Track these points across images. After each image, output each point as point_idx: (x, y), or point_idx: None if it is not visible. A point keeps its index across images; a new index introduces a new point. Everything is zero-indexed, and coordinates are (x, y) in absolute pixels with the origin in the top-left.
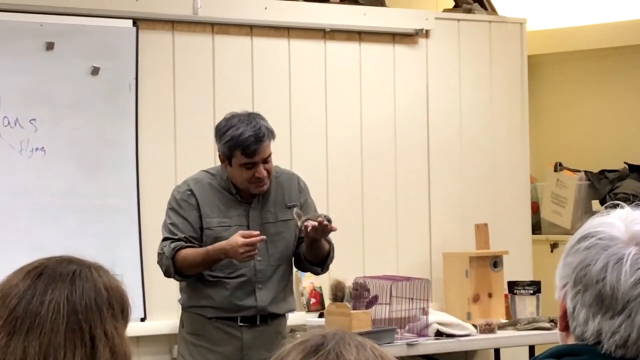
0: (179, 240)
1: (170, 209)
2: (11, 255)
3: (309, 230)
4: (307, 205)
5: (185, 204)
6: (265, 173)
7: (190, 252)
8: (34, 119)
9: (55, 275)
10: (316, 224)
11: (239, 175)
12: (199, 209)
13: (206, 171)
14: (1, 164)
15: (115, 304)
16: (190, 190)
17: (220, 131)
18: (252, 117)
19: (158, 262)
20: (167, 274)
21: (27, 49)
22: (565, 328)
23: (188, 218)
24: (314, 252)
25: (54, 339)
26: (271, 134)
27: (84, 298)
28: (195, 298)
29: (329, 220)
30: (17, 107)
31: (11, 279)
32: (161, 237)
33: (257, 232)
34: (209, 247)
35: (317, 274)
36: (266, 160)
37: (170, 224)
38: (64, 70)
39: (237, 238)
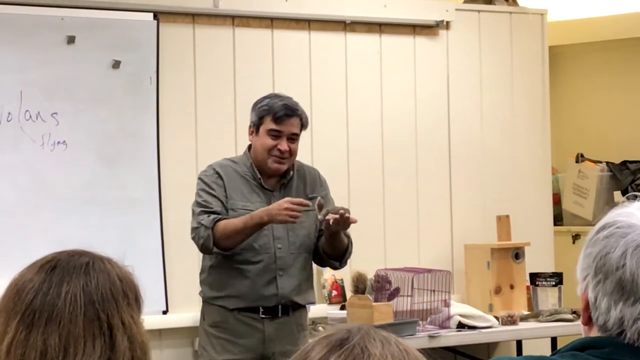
0: (215, 212)
1: (200, 189)
2: (33, 249)
3: (330, 222)
4: (327, 200)
5: (214, 184)
6: (287, 148)
7: (230, 220)
8: (55, 113)
9: (69, 267)
10: (337, 216)
11: (262, 144)
12: (225, 190)
13: (229, 159)
14: (23, 157)
15: (129, 293)
16: (217, 172)
17: (258, 101)
18: (292, 99)
19: (193, 238)
20: (204, 247)
21: (49, 42)
22: (588, 321)
23: (218, 196)
24: (333, 245)
25: (73, 329)
26: (305, 119)
27: (100, 288)
28: (216, 289)
29: (348, 212)
30: (38, 101)
31: (25, 274)
32: (191, 221)
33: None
34: (252, 212)
35: (335, 268)
36: (292, 138)
37: (203, 201)
38: (85, 64)
39: (283, 200)
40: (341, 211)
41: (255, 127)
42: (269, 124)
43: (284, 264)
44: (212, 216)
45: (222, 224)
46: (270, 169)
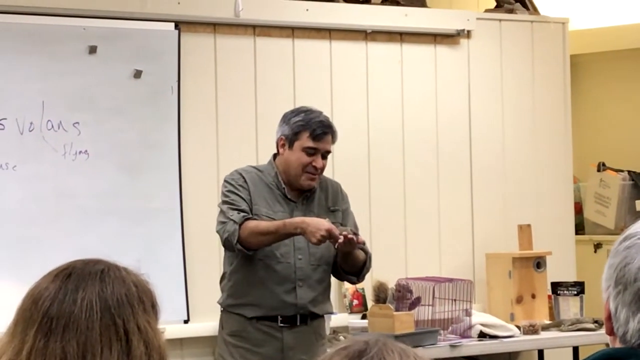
0: (243, 210)
1: (227, 190)
2: (54, 258)
3: (335, 245)
4: (347, 214)
5: (240, 187)
6: (322, 165)
7: (262, 221)
8: (77, 123)
9: (84, 274)
10: (342, 240)
11: (297, 159)
12: (250, 194)
13: (253, 166)
14: (45, 167)
15: (145, 299)
16: (243, 177)
17: (290, 114)
18: (323, 113)
19: (218, 231)
20: (227, 242)
21: (70, 52)
22: (612, 332)
23: (244, 197)
24: (348, 262)
25: (90, 336)
26: (336, 135)
27: (115, 294)
28: (235, 297)
29: (355, 234)
30: (60, 110)
31: (40, 283)
32: (218, 216)
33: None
34: (286, 220)
35: (353, 283)
36: (325, 156)
37: (231, 200)
38: (106, 74)
39: (324, 221)
40: (344, 233)
41: (289, 142)
42: (306, 141)
43: (303, 275)
44: (242, 214)
45: (253, 222)
46: (302, 185)
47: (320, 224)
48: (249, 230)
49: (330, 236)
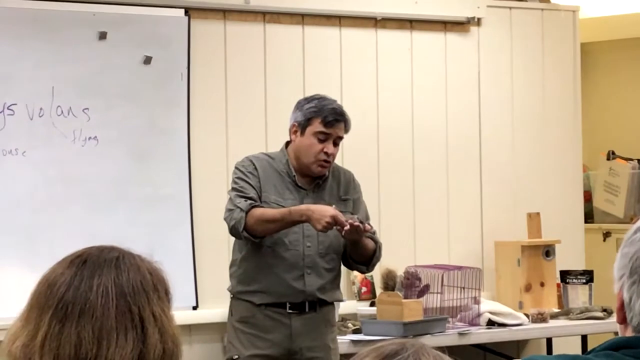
0: (251, 198)
1: (237, 177)
2: (64, 244)
3: (342, 233)
4: (359, 203)
5: (249, 174)
6: (333, 151)
7: (268, 209)
8: (86, 108)
9: (100, 261)
10: (348, 227)
11: (309, 146)
12: (259, 181)
13: (265, 153)
14: (54, 153)
15: (159, 287)
16: (253, 163)
17: (304, 101)
18: (337, 102)
19: (225, 219)
20: (234, 229)
21: (80, 38)
22: (623, 320)
23: (253, 184)
24: (357, 251)
25: (105, 322)
26: (349, 124)
27: (130, 281)
28: (245, 283)
29: (362, 222)
30: (70, 96)
31: (56, 269)
32: (226, 204)
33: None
34: (292, 207)
35: (362, 272)
36: (336, 142)
37: (240, 187)
38: (116, 60)
39: (330, 207)
40: (350, 220)
41: (301, 128)
42: (317, 126)
43: (311, 262)
44: (250, 201)
45: (260, 210)
46: (313, 172)
47: (325, 210)
48: (255, 218)
49: (336, 222)
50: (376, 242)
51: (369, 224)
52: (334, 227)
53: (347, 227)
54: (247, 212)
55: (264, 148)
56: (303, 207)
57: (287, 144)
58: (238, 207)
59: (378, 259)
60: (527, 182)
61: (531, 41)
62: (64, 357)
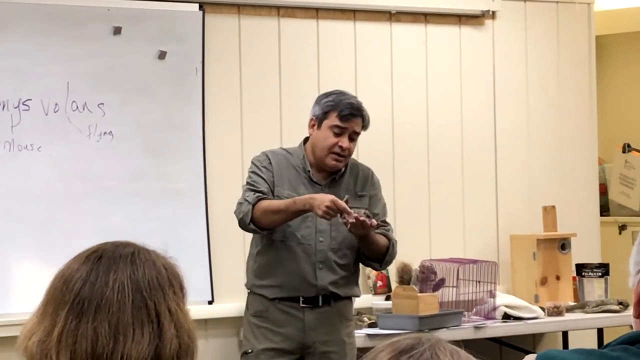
0: (260, 192)
1: (251, 171)
2: (79, 239)
3: (348, 227)
4: (376, 200)
5: (263, 168)
6: (348, 145)
7: (274, 200)
8: (102, 104)
9: (115, 257)
10: (353, 220)
11: (324, 139)
12: (273, 176)
13: (283, 149)
14: (70, 148)
15: (174, 282)
16: (268, 158)
17: (323, 96)
18: (357, 98)
19: (235, 212)
20: (242, 222)
21: (95, 33)
22: None
23: (266, 178)
24: (367, 247)
25: (122, 317)
26: (368, 120)
27: (146, 277)
28: (260, 277)
29: (368, 216)
30: (85, 91)
31: (71, 264)
32: (237, 201)
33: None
34: (297, 197)
35: (376, 269)
36: (352, 137)
37: (252, 181)
38: (131, 55)
39: (329, 195)
40: (355, 214)
41: (319, 121)
42: (333, 120)
43: (323, 257)
44: (257, 194)
45: (266, 202)
46: (327, 165)
47: (323, 198)
48: (262, 210)
49: (337, 208)
50: (390, 239)
51: (383, 221)
52: (341, 220)
53: (352, 220)
54: (254, 205)
55: (278, 142)
56: (307, 196)
57: (306, 140)
58: (246, 200)
59: (392, 257)
60: (543, 175)
61: (546, 34)
62: (81, 352)
